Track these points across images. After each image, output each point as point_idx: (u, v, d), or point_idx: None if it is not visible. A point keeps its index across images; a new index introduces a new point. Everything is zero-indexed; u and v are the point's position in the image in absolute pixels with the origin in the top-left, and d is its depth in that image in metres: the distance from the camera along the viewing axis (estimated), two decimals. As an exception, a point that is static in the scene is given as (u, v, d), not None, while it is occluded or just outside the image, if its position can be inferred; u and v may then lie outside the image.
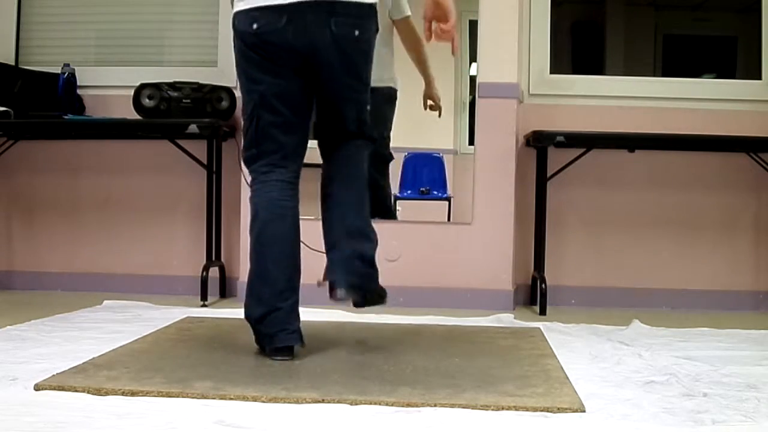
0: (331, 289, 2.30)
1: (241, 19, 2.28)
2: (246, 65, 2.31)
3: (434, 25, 2.35)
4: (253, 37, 2.25)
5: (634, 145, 3.50)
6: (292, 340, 2.21)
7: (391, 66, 3.46)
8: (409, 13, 3.17)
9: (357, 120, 2.40)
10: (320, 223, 2.39)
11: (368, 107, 2.43)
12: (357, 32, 2.28)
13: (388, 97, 3.47)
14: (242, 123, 2.36)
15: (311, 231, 2.45)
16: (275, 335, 2.21)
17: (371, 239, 2.37)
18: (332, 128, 2.42)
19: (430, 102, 3.64)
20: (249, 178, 2.34)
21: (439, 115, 3.65)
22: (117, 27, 3.93)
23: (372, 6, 2.32)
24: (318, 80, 2.32)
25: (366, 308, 2.37)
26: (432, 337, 2.60)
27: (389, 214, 3.60)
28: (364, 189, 2.41)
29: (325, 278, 2.32)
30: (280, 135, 2.30)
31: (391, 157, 3.55)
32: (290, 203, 2.30)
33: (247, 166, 2.37)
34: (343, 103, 2.38)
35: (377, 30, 2.38)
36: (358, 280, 2.31)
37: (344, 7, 2.26)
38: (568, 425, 1.64)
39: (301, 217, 2.32)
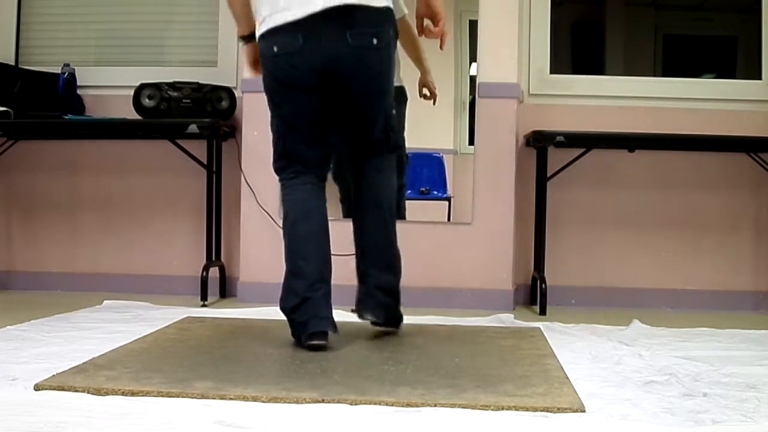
0: (359, 314, 2.54)
1: (263, 45, 2.37)
2: (270, 90, 2.43)
3: (426, 22, 2.42)
4: (275, 59, 2.34)
5: (634, 145, 3.50)
6: (324, 325, 2.31)
7: (398, 65, 3.47)
8: (406, 11, 3.22)
9: (384, 125, 2.49)
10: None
11: (393, 112, 2.52)
12: (375, 41, 2.31)
13: (399, 96, 3.47)
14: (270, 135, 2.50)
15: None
16: (308, 321, 2.31)
17: (396, 271, 2.56)
18: (361, 138, 2.51)
19: (425, 90, 3.64)
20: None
21: (434, 103, 3.64)
22: (117, 27, 3.93)
23: (389, 9, 2.34)
24: (341, 93, 2.39)
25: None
26: (432, 337, 2.60)
27: (401, 213, 3.59)
28: (392, 214, 2.56)
29: (356, 307, 2.55)
30: (304, 150, 2.44)
31: (407, 160, 3.56)
32: (316, 202, 2.43)
33: (277, 175, 2.51)
34: (369, 111, 2.45)
35: (396, 34, 2.41)
36: (379, 311, 2.53)
37: (361, 14, 2.27)
38: (568, 425, 1.64)
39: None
